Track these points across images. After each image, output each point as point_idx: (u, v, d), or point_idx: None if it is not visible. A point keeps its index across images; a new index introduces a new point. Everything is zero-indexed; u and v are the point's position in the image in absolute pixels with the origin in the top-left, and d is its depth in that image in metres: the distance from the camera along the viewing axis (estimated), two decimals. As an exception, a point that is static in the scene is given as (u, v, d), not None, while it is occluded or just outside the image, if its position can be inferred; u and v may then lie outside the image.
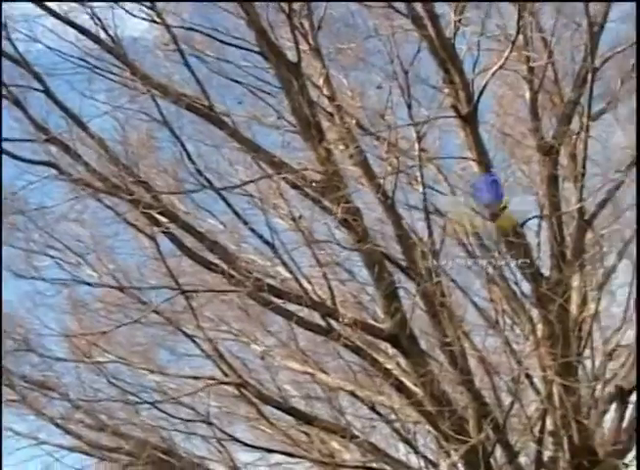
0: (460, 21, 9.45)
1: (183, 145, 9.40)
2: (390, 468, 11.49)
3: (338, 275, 11.25)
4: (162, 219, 9.82)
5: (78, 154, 9.67)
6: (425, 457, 11.79)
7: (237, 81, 10.50)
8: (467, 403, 10.21)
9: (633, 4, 9.68)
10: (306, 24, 9.95)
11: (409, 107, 9.56)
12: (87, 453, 11.52)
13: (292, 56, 9.74)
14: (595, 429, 10.52)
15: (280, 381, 12.16)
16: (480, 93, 9.51)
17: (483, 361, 10.50)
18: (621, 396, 10.95)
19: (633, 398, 11.09)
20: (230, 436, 11.74)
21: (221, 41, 10.20)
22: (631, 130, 9.87)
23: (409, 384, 10.40)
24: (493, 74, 9.56)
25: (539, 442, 10.61)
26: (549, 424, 10.49)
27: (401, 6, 9.48)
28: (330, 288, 9.82)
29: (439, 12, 9.49)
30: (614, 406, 11.06)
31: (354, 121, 10.00)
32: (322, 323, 9.95)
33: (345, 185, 9.71)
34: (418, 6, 9.33)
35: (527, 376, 10.71)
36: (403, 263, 10.19)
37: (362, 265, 10.28)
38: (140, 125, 10.65)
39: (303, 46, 9.87)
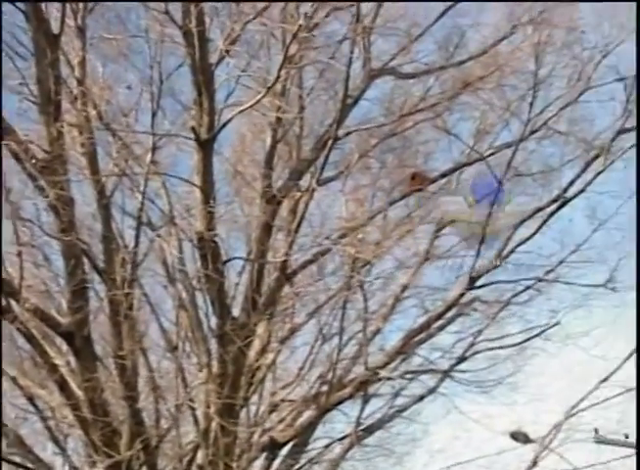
0: (228, 51, 9.61)
1: None
2: (32, 465, 11.17)
3: (33, 258, 10.86)
4: None
5: None
6: (70, 462, 11.55)
7: (-10, 33, 9.97)
8: (124, 419, 10.15)
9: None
10: (80, 2, 9.72)
11: (154, 115, 9.57)
12: None
13: (55, 27, 9.44)
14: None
15: None
16: (224, 125, 9.69)
17: (152, 382, 10.50)
18: (273, 447, 11.32)
19: (284, 451, 11.51)
20: None
21: (-13, -13, 9.68)
22: (351, 204, 10.36)
23: (73, 385, 10.21)
24: (241, 112, 9.78)
25: (187, 472, 10.74)
26: (199, 458, 10.62)
27: (178, 17, 9.48)
28: (21, 268, 9.47)
29: (212, 36, 9.61)
30: (264, 455, 11.41)
31: (96, 112, 9.79)
32: (2, 302, 9.57)
33: (66, 171, 9.48)
34: (192, 23, 9.36)
35: (191, 407, 10.79)
36: (101, 265, 10.06)
37: (60, 255, 10.01)
38: None
39: (70, 22, 9.62)
